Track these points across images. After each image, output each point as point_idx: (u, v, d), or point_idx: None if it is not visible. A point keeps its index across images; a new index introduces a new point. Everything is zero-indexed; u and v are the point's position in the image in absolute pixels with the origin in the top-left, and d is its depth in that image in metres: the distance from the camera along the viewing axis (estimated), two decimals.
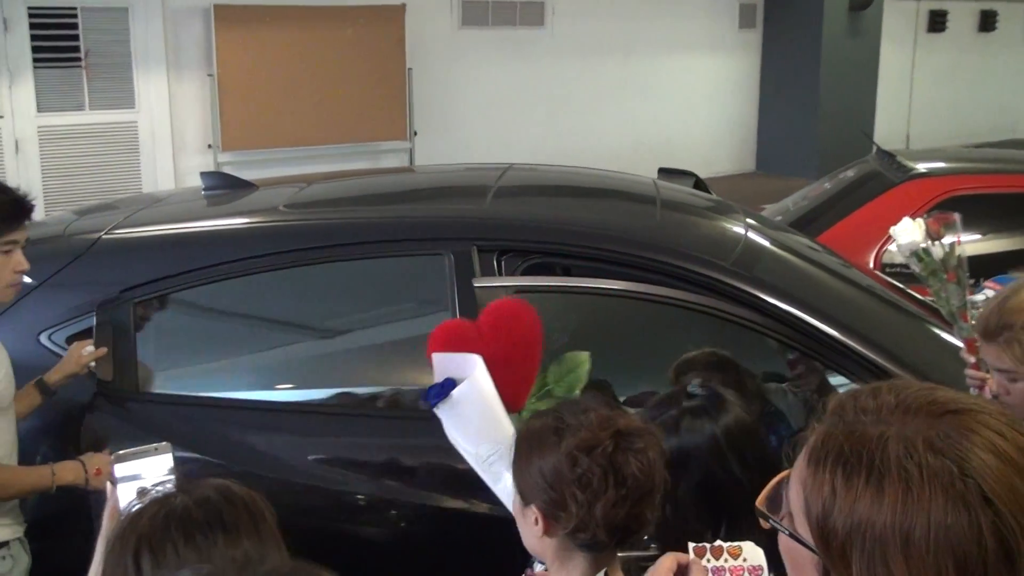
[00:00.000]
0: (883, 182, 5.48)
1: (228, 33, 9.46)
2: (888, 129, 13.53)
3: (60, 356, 2.99)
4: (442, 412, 2.19)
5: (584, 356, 2.58)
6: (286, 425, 2.99)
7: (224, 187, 3.81)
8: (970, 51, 15.47)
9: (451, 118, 11.12)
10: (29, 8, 8.69)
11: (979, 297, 2.79)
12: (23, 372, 3.12)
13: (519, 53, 11.54)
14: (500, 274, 2.94)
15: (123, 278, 3.11)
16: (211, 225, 3.45)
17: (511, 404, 2.20)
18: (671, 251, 3.01)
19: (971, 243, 5.33)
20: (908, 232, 2.74)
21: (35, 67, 8.81)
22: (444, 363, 2.18)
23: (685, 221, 3.64)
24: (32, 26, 8.73)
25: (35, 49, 8.78)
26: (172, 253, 3.20)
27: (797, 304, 2.85)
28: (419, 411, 2.84)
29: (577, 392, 2.52)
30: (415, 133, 10.76)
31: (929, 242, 2.73)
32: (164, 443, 1.85)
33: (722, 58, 13.25)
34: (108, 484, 1.78)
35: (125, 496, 1.76)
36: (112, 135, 9.27)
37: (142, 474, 1.79)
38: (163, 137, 9.55)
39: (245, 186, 3.81)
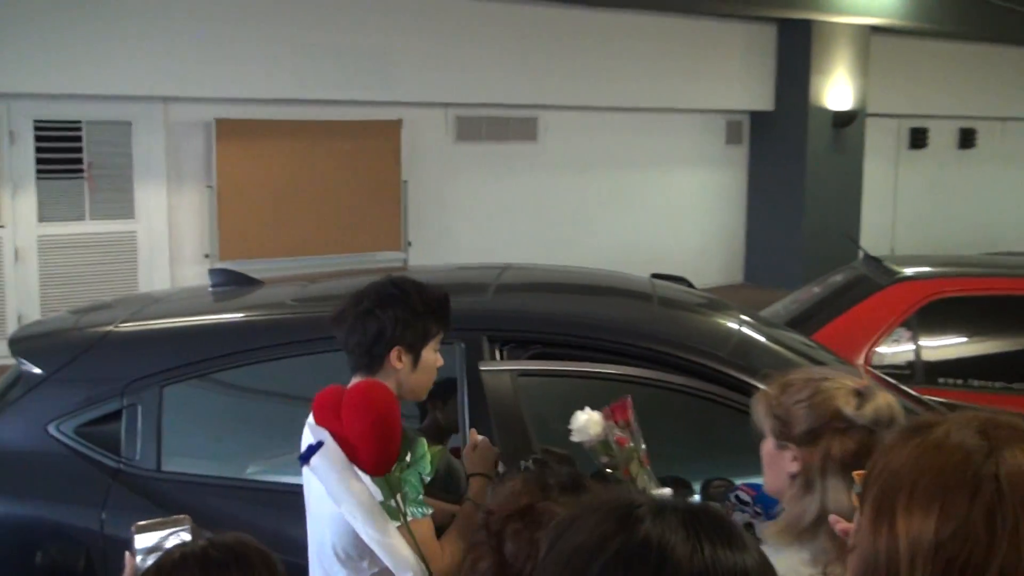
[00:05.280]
0: (871, 285, 5.61)
1: (228, 146, 9.67)
2: (873, 242, 13.67)
3: (68, 447, 3.06)
4: (310, 470, 2.41)
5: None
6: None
7: (231, 284, 3.91)
8: (951, 167, 15.86)
9: (445, 229, 11.31)
10: (35, 121, 8.93)
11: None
12: (31, 462, 3.17)
13: (512, 166, 11.80)
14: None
15: (130, 372, 3.19)
16: (220, 319, 3.54)
17: (377, 469, 2.33)
18: (668, 341, 3.13)
19: (958, 345, 5.50)
20: (586, 427, 2.52)
21: (38, 178, 8.99)
22: (315, 431, 2.39)
23: (680, 315, 3.80)
24: (38, 139, 8.95)
25: (39, 161, 8.97)
26: (176, 346, 3.29)
27: None
28: None
29: (427, 470, 2.51)
30: (409, 244, 10.92)
31: (610, 433, 2.53)
32: (184, 515, 1.89)
33: (710, 172, 13.54)
34: (127, 553, 1.82)
35: (143, 566, 1.80)
36: (111, 245, 9.42)
37: (162, 545, 1.83)
38: (161, 247, 9.70)
39: (252, 283, 3.91)
